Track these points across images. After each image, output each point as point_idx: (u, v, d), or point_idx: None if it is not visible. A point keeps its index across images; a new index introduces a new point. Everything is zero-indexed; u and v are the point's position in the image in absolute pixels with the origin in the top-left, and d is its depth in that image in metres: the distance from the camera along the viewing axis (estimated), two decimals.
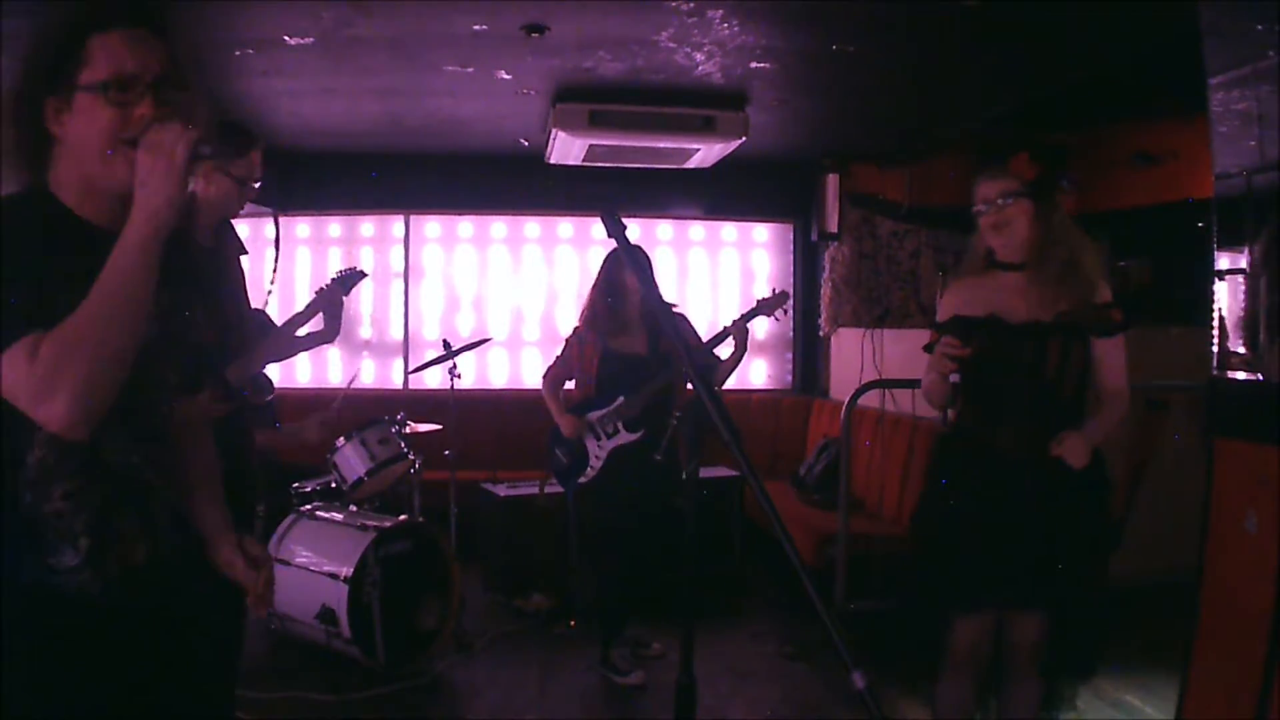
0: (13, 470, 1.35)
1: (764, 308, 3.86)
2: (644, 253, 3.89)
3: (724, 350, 3.87)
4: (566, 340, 4.02)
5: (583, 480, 3.89)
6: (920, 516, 2.68)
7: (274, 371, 4.39)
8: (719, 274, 6.86)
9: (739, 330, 3.77)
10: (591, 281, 4.01)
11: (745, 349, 3.83)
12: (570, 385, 4.03)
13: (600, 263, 3.99)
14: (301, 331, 3.03)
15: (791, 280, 6.86)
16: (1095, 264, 2.50)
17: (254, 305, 2.86)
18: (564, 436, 3.89)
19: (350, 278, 3.22)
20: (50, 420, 1.24)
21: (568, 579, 4.65)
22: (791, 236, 6.89)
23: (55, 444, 1.34)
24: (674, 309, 3.99)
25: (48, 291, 1.27)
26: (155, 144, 1.30)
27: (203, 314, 1.58)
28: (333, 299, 3.06)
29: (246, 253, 2.87)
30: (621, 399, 3.82)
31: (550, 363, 4.06)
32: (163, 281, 1.34)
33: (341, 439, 4.16)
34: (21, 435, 1.33)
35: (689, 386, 3.69)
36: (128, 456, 1.44)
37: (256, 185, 2.67)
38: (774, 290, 3.95)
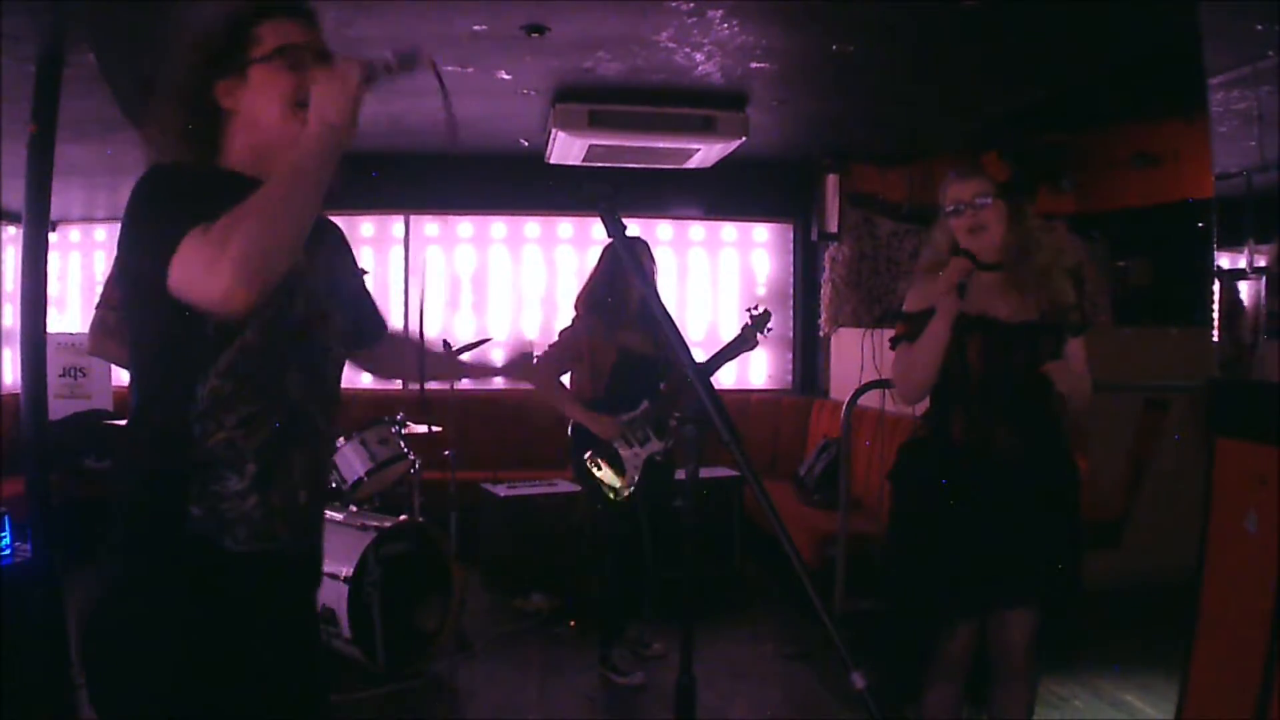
0: (181, 408, 1.39)
1: (757, 325, 3.87)
2: (645, 245, 3.77)
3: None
4: (566, 331, 3.81)
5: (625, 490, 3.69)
6: (906, 524, 2.61)
7: None
8: (719, 274, 6.87)
9: (750, 339, 3.78)
10: (592, 274, 3.88)
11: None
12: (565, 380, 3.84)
13: (600, 255, 3.89)
14: None
15: (791, 280, 6.87)
16: (1066, 264, 2.50)
17: None
18: (596, 438, 3.66)
19: None
20: (218, 285, 1.24)
21: (582, 581, 4.61)
22: (791, 236, 6.89)
23: (233, 373, 1.39)
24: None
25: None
26: (328, 73, 1.41)
27: (349, 269, 1.70)
28: None
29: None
30: (646, 403, 3.70)
31: (543, 353, 3.76)
32: (320, 241, 1.44)
33: (341, 439, 4.15)
34: (193, 369, 1.38)
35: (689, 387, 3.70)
36: (304, 397, 1.49)
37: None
38: (756, 307, 3.93)
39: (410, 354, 1.91)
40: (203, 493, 1.40)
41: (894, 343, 2.58)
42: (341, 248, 1.69)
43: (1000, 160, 2.35)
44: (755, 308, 3.94)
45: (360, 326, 1.75)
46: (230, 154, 1.50)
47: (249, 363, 1.40)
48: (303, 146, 1.38)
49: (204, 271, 1.24)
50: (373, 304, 1.82)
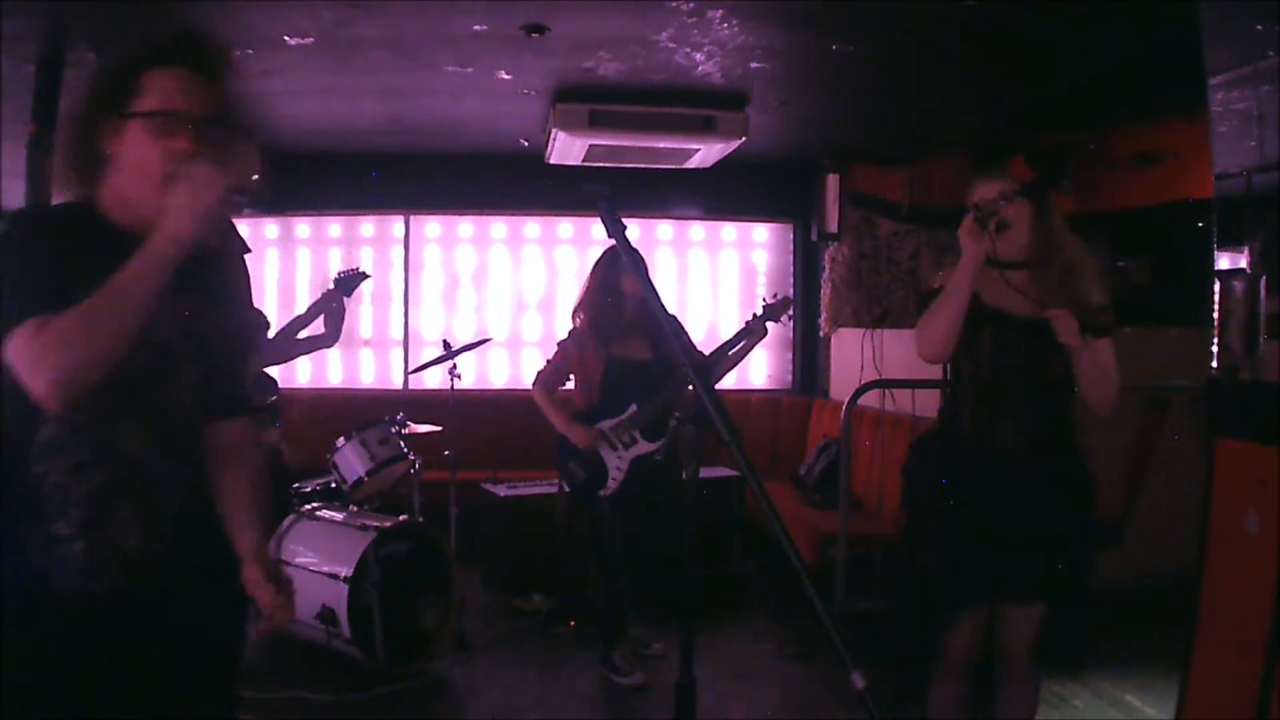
0: (24, 444, 1.45)
1: (771, 313, 3.85)
2: (639, 254, 3.84)
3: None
4: (560, 344, 3.90)
5: (605, 494, 3.76)
6: (914, 517, 2.64)
7: (273, 372, 4.40)
8: (719, 274, 6.87)
9: (758, 330, 3.77)
10: (586, 283, 3.90)
11: (750, 349, 3.83)
12: (569, 388, 3.93)
13: (594, 264, 3.90)
14: (303, 334, 3.03)
15: (791, 280, 6.87)
16: (1091, 266, 2.50)
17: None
18: (576, 448, 3.77)
19: (352, 279, 3.18)
20: (34, 388, 1.36)
21: (582, 581, 4.62)
22: (791, 236, 6.89)
23: (65, 420, 1.44)
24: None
25: (71, 281, 1.39)
26: (189, 177, 1.42)
27: (220, 321, 1.63)
28: (334, 303, 3.03)
29: (250, 251, 2.88)
30: (634, 407, 3.74)
31: (541, 367, 3.92)
32: (188, 288, 1.49)
33: (341, 439, 4.16)
34: (36, 412, 1.42)
35: (688, 388, 3.70)
36: (137, 448, 1.51)
37: (248, 187, 2.66)
38: (775, 295, 3.93)
39: (224, 485, 1.68)
40: (37, 533, 1.46)
41: (923, 303, 2.58)
42: (224, 300, 1.64)
43: (1026, 163, 2.34)
44: (775, 295, 3.93)
45: (207, 393, 1.62)
46: (106, 197, 1.51)
47: (80, 411, 1.43)
48: (143, 256, 1.39)
49: (25, 371, 1.35)
50: (233, 378, 1.71)
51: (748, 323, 3.85)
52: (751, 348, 3.88)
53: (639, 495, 3.78)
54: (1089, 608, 2.54)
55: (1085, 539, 2.52)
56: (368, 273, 3.29)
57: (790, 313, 3.94)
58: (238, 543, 1.67)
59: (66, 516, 1.46)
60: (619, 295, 3.74)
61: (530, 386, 3.91)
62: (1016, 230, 2.43)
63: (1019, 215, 2.43)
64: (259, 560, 1.65)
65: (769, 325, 3.90)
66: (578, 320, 3.88)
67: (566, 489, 3.97)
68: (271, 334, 3.53)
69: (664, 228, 6.79)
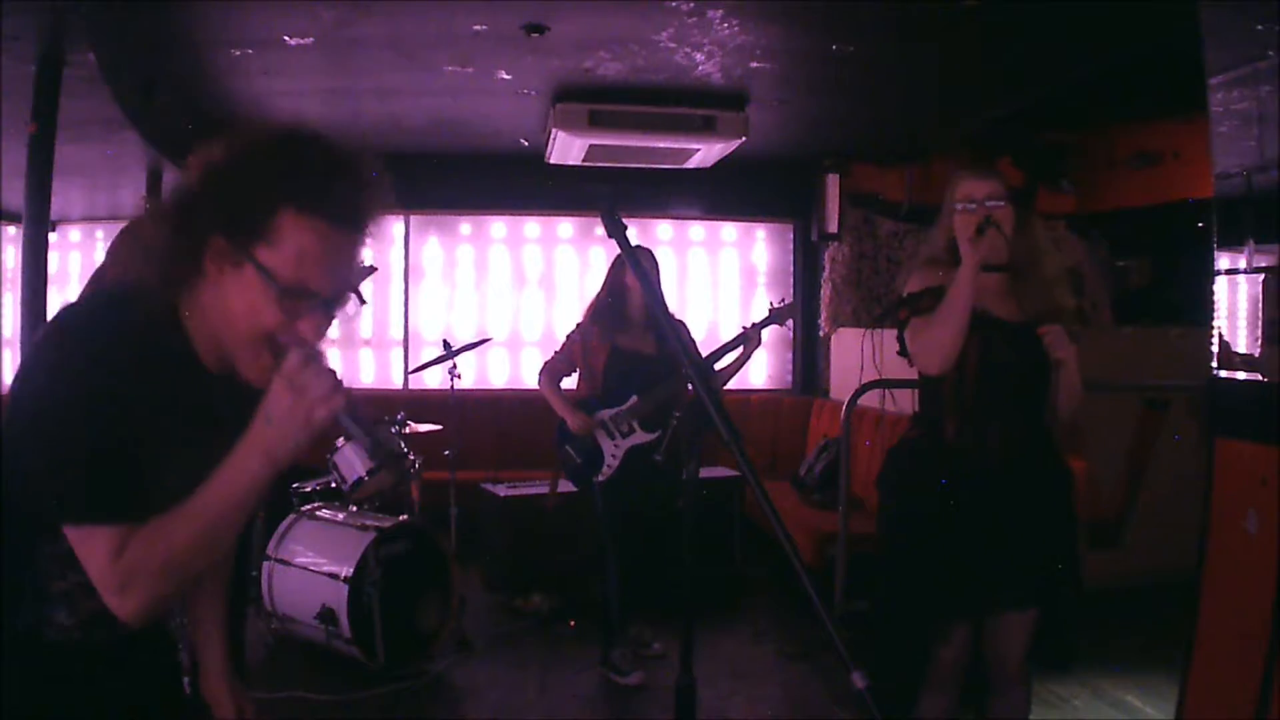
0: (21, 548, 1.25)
1: (775, 317, 3.84)
2: (650, 253, 3.87)
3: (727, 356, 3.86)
4: (568, 336, 3.97)
5: (600, 478, 3.82)
6: (898, 527, 2.56)
7: None
8: (719, 274, 6.87)
9: (753, 338, 3.77)
10: (599, 282, 4.00)
11: (749, 356, 3.83)
12: (571, 382, 3.98)
13: (609, 264, 4.00)
14: None
15: (791, 280, 6.87)
16: (1061, 269, 2.52)
17: None
18: (573, 433, 3.83)
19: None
20: (117, 609, 1.17)
21: (587, 576, 4.62)
22: (791, 236, 6.89)
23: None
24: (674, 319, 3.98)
25: (145, 429, 1.19)
26: (301, 389, 1.16)
27: None
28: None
29: None
30: (635, 398, 3.78)
31: (548, 358, 3.99)
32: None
33: (341, 439, 4.15)
34: (41, 530, 1.22)
35: (689, 387, 3.70)
36: None
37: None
38: (783, 300, 3.94)
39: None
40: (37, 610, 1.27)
41: (901, 325, 2.53)
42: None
43: (1014, 166, 2.34)
44: (782, 300, 3.94)
45: None
46: (189, 307, 1.23)
47: None
48: (239, 475, 1.17)
49: (108, 590, 1.16)
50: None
51: (744, 329, 3.84)
52: (749, 355, 3.87)
53: (634, 484, 3.82)
54: (1079, 607, 2.53)
55: (1072, 541, 2.50)
56: (374, 266, 3.24)
57: (793, 318, 3.96)
58: (203, 650, 1.56)
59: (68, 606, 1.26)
60: (623, 289, 3.85)
61: (537, 377, 3.96)
62: (1001, 233, 2.42)
63: (1004, 219, 2.41)
64: (224, 678, 1.56)
65: (771, 327, 3.90)
66: (584, 318, 3.96)
67: (561, 477, 4.04)
68: None
69: (664, 228, 6.79)
